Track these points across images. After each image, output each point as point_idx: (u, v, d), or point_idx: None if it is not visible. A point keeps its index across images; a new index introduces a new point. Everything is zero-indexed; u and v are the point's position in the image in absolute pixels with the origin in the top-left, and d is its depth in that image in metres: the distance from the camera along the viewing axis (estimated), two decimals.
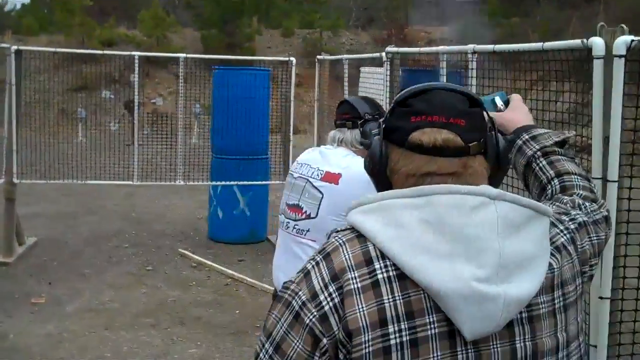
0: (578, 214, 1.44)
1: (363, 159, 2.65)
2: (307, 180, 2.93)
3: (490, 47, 3.76)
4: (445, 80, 6.84)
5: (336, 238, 1.27)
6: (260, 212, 8.56)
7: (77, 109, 16.18)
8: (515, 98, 1.82)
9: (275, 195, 9.86)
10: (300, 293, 1.22)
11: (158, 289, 6.81)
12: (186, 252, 8.01)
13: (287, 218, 3.00)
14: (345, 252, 1.23)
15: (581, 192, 1.53)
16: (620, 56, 2.77)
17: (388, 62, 4.53)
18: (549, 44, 3.16)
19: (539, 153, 1.64)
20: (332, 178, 2.85)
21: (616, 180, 2.85)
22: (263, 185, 8.51)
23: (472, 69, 3.96)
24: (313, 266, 1.25)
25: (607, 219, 1.51)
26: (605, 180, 2.84)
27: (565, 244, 1.34)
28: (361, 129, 2.90)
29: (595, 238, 1.43)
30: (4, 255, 7.52)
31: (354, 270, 1.19)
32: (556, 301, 1.26)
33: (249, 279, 7.06)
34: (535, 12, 27.39)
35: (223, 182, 8.29)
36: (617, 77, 2.78)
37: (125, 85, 16.15)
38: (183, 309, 6.29)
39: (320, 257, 1.26)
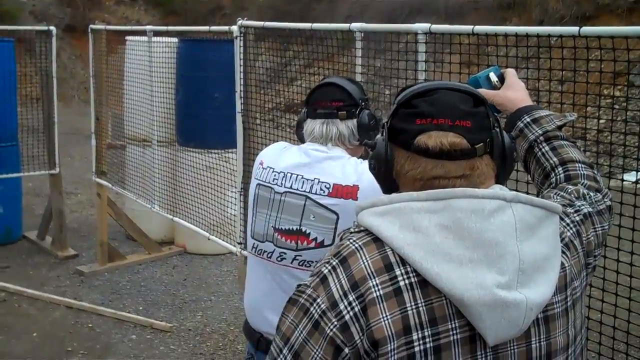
0: (583, 204, 1.44)
1: (364, 159, 2.24)
2: (307, 197, 2.26)
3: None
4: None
5: (351, 241, 1.22)
6: (14, 207, 7.28)
7: None
8: (510, 73, 1.77)
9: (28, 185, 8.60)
10: (319, 300, 1.18)
11: None
12: None
13: (280, 247, 2.30)
14: (363, 257, 1.19)
15: (585, 181, 1.53)
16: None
17: (241, 38, 4.01)
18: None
19: (541, 138, 1.62)
20: (347, 192, 2.20)
21: None
22: (15, 177, 7.18)
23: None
24: (330, 271, 1.21)
25: (610, 208, 1.51)
26: None
27: (572, 239, 1.34)
28: (358, 120, 2.30)
29: (600, 228, 1.43)
30: None
31: (374, 278, 1.16)
32: (568, 299, 1.27)
33: (29, 290, 5.94)
34: None
35: None
36: None
37: None
38: None
39: (337, 261, 1.21)
